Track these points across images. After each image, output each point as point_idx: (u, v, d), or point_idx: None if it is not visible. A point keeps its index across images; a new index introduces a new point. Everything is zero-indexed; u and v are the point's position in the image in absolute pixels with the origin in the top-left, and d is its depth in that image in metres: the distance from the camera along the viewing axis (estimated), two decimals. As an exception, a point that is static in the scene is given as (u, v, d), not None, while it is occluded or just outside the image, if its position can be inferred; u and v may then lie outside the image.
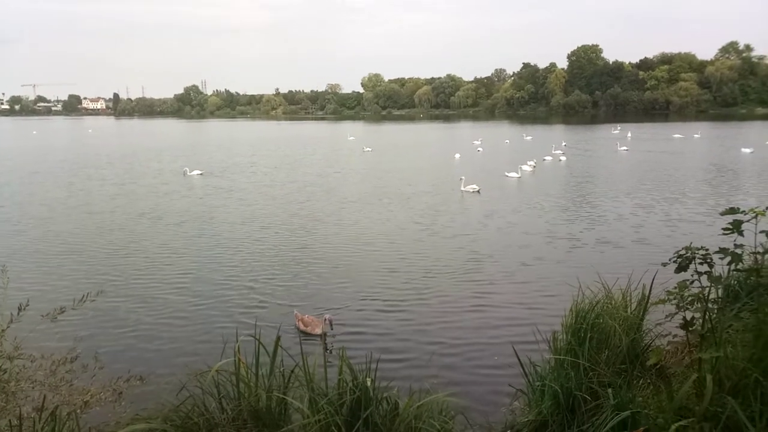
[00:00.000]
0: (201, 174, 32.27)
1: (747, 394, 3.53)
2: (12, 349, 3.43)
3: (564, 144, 49.43)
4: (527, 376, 4.75)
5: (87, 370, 3.81)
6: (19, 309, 3.42)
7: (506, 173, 29.84)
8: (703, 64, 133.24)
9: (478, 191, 24.26)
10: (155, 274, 13.03)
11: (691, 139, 54.28)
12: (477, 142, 51.19)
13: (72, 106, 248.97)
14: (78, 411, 3.27)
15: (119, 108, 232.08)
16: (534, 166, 32.11)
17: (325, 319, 9.06)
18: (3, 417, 3.12)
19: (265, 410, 3.55)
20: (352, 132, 75.88)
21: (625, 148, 45.32)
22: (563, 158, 37.90)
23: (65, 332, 6.40)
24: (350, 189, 26.19)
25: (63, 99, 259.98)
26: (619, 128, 71.70)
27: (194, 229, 17.95)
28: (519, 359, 4.83)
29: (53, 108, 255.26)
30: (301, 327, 9.25)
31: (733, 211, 4.15)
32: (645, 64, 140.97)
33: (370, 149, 49.15)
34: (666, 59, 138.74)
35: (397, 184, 27.55)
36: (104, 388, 3.72)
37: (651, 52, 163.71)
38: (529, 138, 58.99)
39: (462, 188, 24.60)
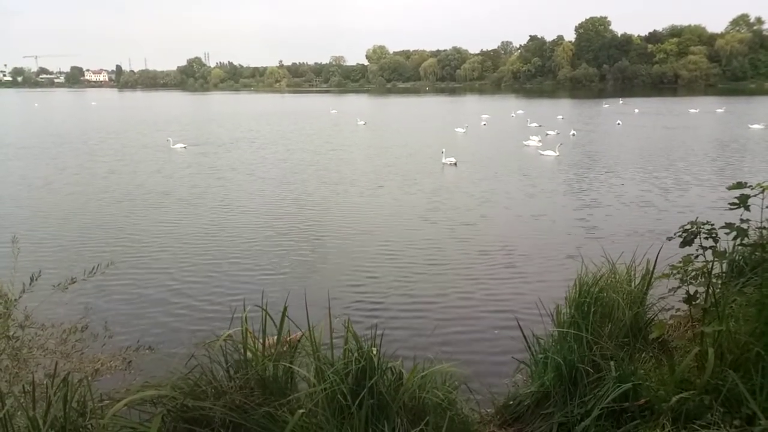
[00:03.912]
0: (184, 147, 32.16)
1: (748, 368, 3.56)
2: (23, 318, 3.48)
3: (560, 117, 49.25)
4: (530, 348, 4.80)
5: (97, 339, 3.86)
6: (32, 279, 3.46)
7: (541, 152, 28.33)
8: (713, 37, 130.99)
9: (455, 164, 24.75)
10: (163, 247, 13.12)
11: (700, 115, 53.75)
12: (485, 116, 50.59)
13: (74, 78, 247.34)
14: (89, 378, 3.33)
15: (122, 80, 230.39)
16: (540, 141, 31.93)
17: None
18: (16, 383, 3.19)
19: (272, 379, 3.61)
20: (335, 105, 75.43)
21: (619, 122, 44.98)
22: (573, 132, 37.40)
23: (75, 302, 6.48)
24: (347, 166, 25.96)
25: (65, 71, 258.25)
26: (621, 102, 71.50)
27: (202, 204, 18.02)
28: (522, 332, 4.87)
29: (56, 80, 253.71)
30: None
31: (740, 185, 4.13)
32: (654, 37, 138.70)
33: (363, 122, 48.67)
34: (675, 32, 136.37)
35: (390, 161, 27.38)
36: (114, 357, 3.78)
37: (660, 25, 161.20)
38: (520, 112, 57.91)
39: (443, 161, 25.15)
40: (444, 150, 25.68)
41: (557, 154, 27.45)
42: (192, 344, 3.96)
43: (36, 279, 3.47)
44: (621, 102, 72.34)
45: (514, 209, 16.73)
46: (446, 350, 7.04)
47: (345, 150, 31.96)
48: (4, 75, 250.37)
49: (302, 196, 18.80)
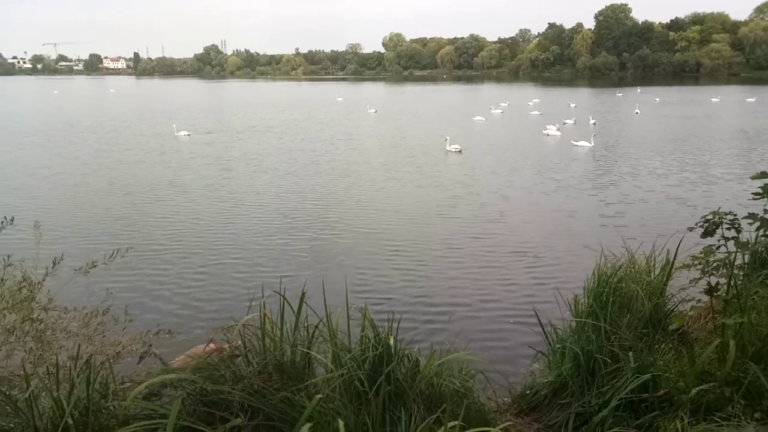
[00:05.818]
0: (188, 135, 32.26)
1: (770, 360, 3.52)
2: (47, 301, 3.55)
3: (573, 105, 48.84)
4: (548, 338, 4.78)
5: (118, 322, 3.93)
6: (54, 263, 3.52)
7: (574, 142, 26.90)
8: (737, 25, 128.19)
9: (460, 151, 24.79)
10: (182, 233, 13.26)
11: (723, 104, 52.78)
12: (504, 104, 50.25)
13: (93, 66, 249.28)
14: (111, 361, 3.39)
15: (140, 67, 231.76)
16: (558, 130, 31.63)
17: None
18: (41, 364, 3.25)
19: (289, 364, 3.63)
20: (348, 93, 75.25)
21: (637, 111, 44.24)
22: (592, 121, 36.72)
23: (96, 287, 6.58)
24: (360, 157, 25.82)
25: (84, 58, 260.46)
26: (639, 90, 70.60)
27: (220, 191, 18.15)
28: (540, 322, 4.85)
29: (74, 67, 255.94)
30: None
31: (764, 175, 4.06)
32: (675, 25, 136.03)
33: (374, 111, 48.31)
34: (698, 19, 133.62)
35: (400, 150, 27.27)
36: (134, 341, 3.85)
37: (682, 12, 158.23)
38: (537, 100, 56.91)
39: (447, 148, 25.14)
40: (448, 137, 25.62)
41: (592, 144, 26.27)
42: (211, 329, 4.01)
43: (58, 262, 3.53)
44: (639, 90, 71.24)
45: (536, 200, 16.53)
46: (463, 339, 7.02)
47: (357, 140, 31.65)
48: (24, 62, 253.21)
49: (317, 187, 18.73)
